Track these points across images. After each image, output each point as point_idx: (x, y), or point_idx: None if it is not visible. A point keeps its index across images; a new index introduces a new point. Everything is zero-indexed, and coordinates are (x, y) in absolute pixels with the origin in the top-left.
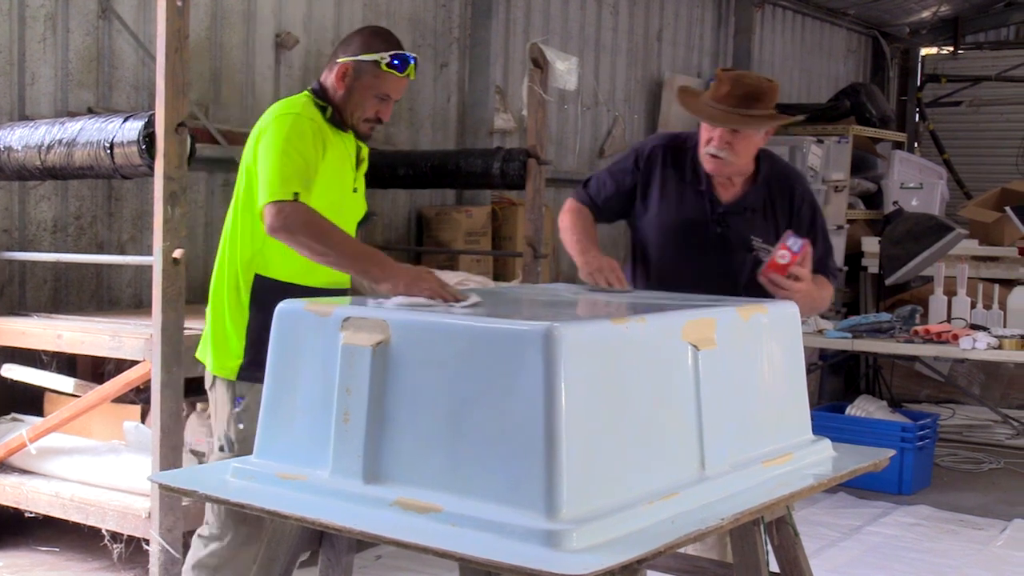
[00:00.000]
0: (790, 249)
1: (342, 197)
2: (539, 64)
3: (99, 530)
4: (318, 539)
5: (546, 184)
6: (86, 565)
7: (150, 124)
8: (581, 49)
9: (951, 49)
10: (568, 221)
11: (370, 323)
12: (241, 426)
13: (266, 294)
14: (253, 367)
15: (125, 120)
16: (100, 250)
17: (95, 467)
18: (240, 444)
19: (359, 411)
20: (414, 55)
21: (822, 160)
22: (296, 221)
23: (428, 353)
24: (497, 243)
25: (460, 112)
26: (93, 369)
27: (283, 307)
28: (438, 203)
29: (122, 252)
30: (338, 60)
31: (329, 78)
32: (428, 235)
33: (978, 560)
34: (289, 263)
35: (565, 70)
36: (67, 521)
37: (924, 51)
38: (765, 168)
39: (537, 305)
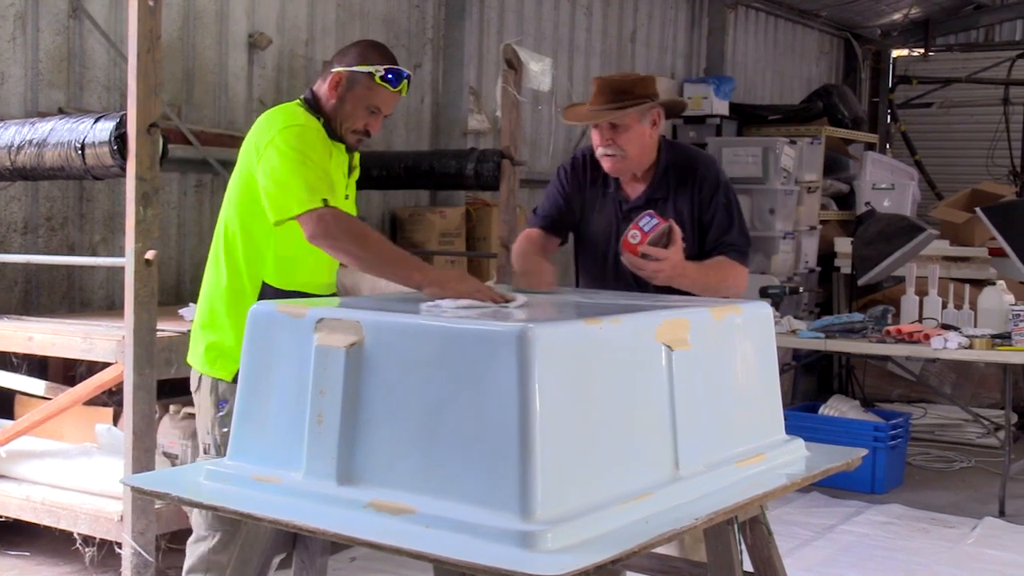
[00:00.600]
0: (641, 229)
1: (338, 203)
2: (513, 65)
3: (71, 534)
4: (292, 541)
5: (520, 185)
6: (58, 569)
7: (122, 124)
8: (555, 50)
9: (922, 51)
10: (517, 247)
11: (344, 324)
12: (225, 429)
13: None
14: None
15: (96, 120)
16: (71, 251)
17: (67, 470)
18: (224, 449)
19: (333, 413)
20: (408, 71)
21: (795, 161)
22: (337, 227)
23: (402, 354)
24: (471, 244)
25: (434, 113)
26: (64, 371)
27: (256, 309)
28: (412, 204)
29: (94, 253)
30: (332, 70)
31: (322, 87)
32: (402, 236)
33: (949, 558)
34: (297, 272)
35: (539, 71)
36: (38, 525)
37: (895, 53)
38: (664, 158)
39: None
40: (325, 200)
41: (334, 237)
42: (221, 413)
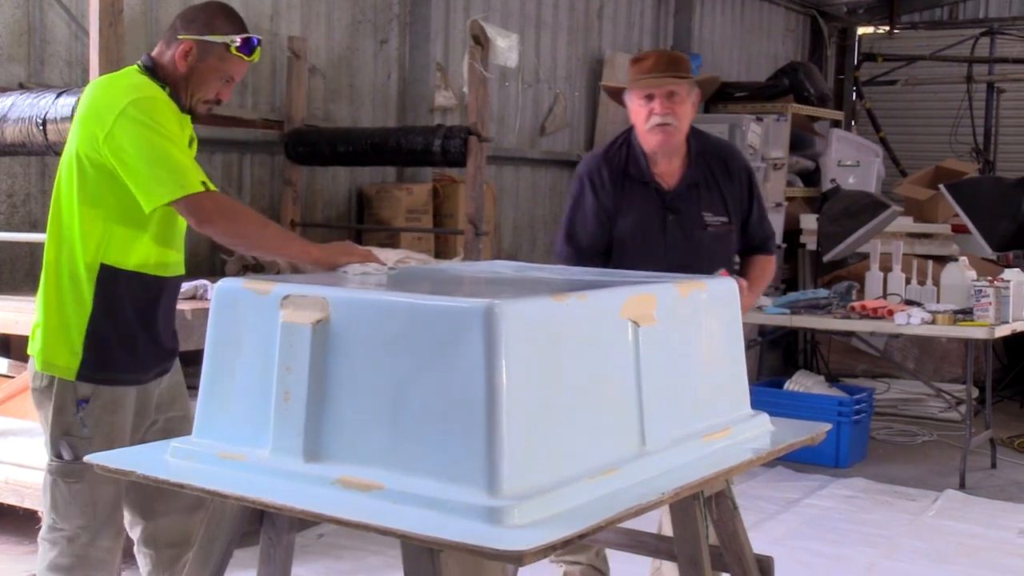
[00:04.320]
0: None
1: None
2: (480, 41)
3: (35, 512)
4: (259, 518)
5: (487, 162)
6: (22, 548)
7: None
8: (522, 26)
9: (887, 29)
10: None
11: (310, 301)
12: (86, 431)
13: (112, 285)
14: (93, 366)
15: (58, 96)
16: (34, 228)
17: (30, 449)
18: (84, 450)
19: (299, 389)
20: (258, 37)
21: (761, 138)
22: (221, 212)
23: (368, 331)
24: (438, 221)
25: (400, 89)
26: (27, 349)
27: (222, 285)
28: (378, 181)
29: None
30: (180, 37)
31: (167, 54)
32: (368, 213)
33: (911, 530)
34: (139, 252)
35: (506, 47)
36: (2, 504)
37: (861, 30)
38: (696, 145)
39: (479, 283)
40: (205, 183)
41: (227, 221)
42: (81, 414)
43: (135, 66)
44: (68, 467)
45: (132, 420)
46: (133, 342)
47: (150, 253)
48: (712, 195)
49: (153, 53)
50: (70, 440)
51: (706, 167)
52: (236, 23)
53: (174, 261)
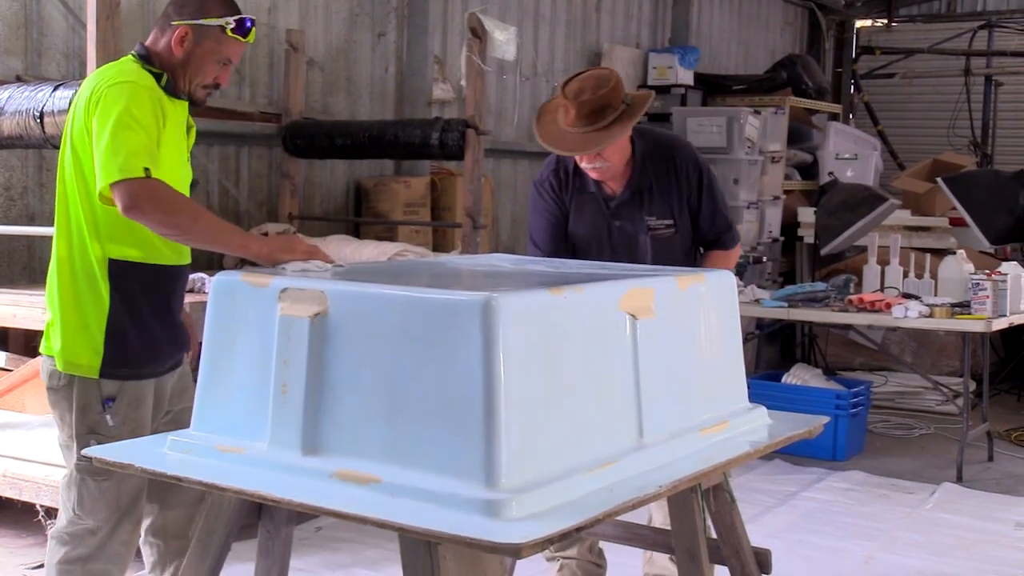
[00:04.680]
0: None
1: (180, 166)
2: (478, 34)
3: (33, 506)
4: (257, 511)
5: (485, 155)
6: (20, 541)
7: None
8: (520, 19)
9: (885, 22)
10: None
11: (308, 294)
12: (113, 429)
13: (125, 279)
14: (116, 363)
15: (55, 88)
16: (31, 221)
17: (29, 442)
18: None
19: (297, 383)
20: (252, 18)
21: (759, 131)
22: (151, 200)
23: (366, 324)
24: (436, 214)
25: (398, 82)
26: (25, 343)
27: (220, 278)
28: (376, 174)
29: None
30: (173, 23)
31: (161, 41)
32: (366, 206)
33: (908, 523)
34: (141, 241)
35: (504, 40)
36: (0, 497)
37: (859, 23)
38: (640, 148)
39: (475, 276)
40: (147, 170)
41: (144, 210)
42: (108, 414)
43: (129, 55)
44: (97, 465)
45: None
46: (151, 335)
47: (158, 242)
48: (656, 199)
49: (147, 42)
50: (98, 439)
51: (653, 170)
52: (229, 5)
53: (182, 249)
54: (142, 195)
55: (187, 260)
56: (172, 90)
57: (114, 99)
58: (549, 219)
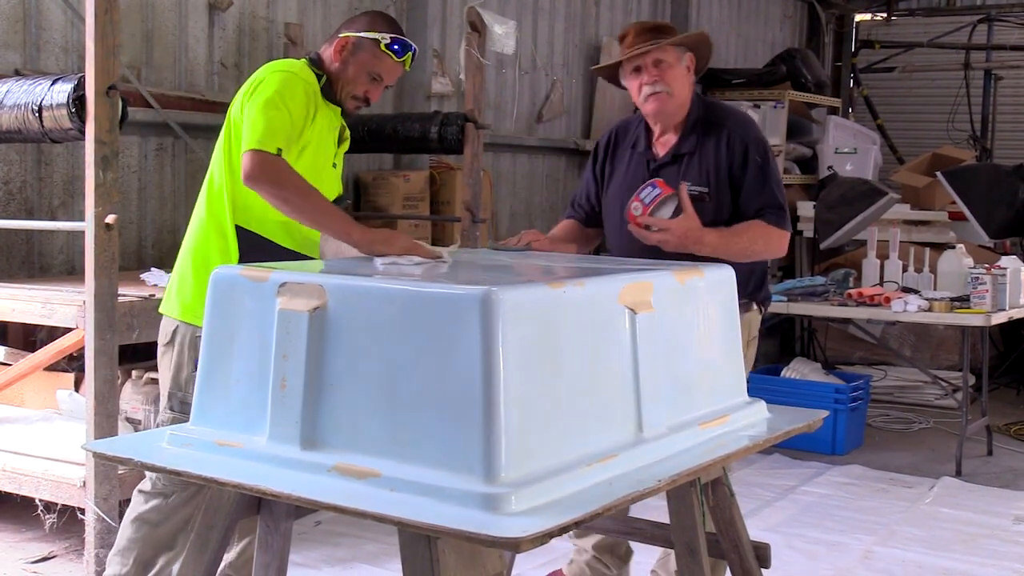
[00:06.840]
0: (642, 201)
1: (324, 168)
2: (477, 28)
3: (33, 500)
4: (256, 506)
5: (484, 148)
6: (20, 536)
7: (80, 87)
8: (519, 13)
9: (885, 16)
10: (546, 244)
11: (307, 288)
12: None
13: (250, 249)
14: None
15: (54, 82)
16: (30, 216)
17: (28, 436)
18: None
19: (296, 377)
20: (415, 45)
21: (758, 125)
22: (275, 173)
23: (366, 318)
24: (435, 208)
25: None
26: (24, 337)
27: (218, 272)
28: (375, 168)
29: (53, 218)
30: (339, 35)
31: (328, 51)
32: (366, 200)
33: (907, 517)
34: (266, 219)
35: (503, 34)
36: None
37: (858, 17)
38: (695, 113)
39: (475, 269)
40: (280, 150)
41: (266, 181)
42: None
43: (304, 58)
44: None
45: None
46: None
47: (273, 223)
48: (695, 165)
49: (320, 50)
50: (179, 397)
51: (699, 137)
52: (393, 27)
53: (300, 231)
54: (264, 167)
55: (304, 250)
56: (329, 95)
57: (271, 82)
58: (588, 177)
